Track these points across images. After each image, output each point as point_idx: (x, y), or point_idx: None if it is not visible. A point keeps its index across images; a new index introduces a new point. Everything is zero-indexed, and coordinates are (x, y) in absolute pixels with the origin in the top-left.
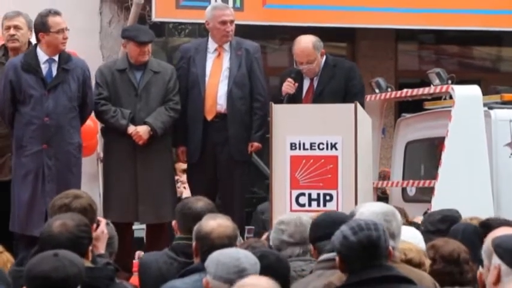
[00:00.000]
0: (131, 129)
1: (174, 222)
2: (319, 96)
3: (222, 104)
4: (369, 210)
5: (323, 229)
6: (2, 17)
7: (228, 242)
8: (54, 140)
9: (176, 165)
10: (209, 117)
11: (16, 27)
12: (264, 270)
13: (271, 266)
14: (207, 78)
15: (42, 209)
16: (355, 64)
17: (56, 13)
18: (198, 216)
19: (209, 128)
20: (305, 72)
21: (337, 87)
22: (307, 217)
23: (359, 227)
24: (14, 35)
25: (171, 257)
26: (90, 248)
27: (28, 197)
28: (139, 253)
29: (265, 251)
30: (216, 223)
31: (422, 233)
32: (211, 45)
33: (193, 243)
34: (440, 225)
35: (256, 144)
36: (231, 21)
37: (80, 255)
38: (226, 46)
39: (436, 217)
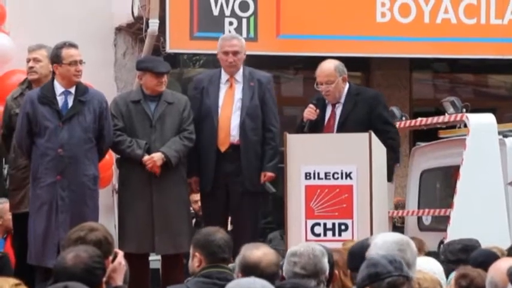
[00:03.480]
0: (146, 157)
1: (197, 255)
2: (343, 126)
3: (235, 135)
4: (383, 240)
5: (358, 259)
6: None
7: (276, 269)
8: (69, 172)
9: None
10: (223, 149)
11: (35, 60)
12: None
13: None
14: (219, 110)
15: (55, 240)
16: (379, 93)
17: (72, 45)
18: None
19: (222, 159)
20: (325, 94)
21: (361, 116)
22: (320, 247)
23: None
24: (32, 67)
25: (210, 283)
26: (104, 279)
27: (43, 228)
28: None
29: (295, 283)
30: (261, 252)
31: (442, 262)
32: (224, 76)
33: (239, 275)
34: (461, 254)
35: (269, 174)
36: (234, 52)
37: (95, 287)
38: (239, 77)
39: (456, 246)
